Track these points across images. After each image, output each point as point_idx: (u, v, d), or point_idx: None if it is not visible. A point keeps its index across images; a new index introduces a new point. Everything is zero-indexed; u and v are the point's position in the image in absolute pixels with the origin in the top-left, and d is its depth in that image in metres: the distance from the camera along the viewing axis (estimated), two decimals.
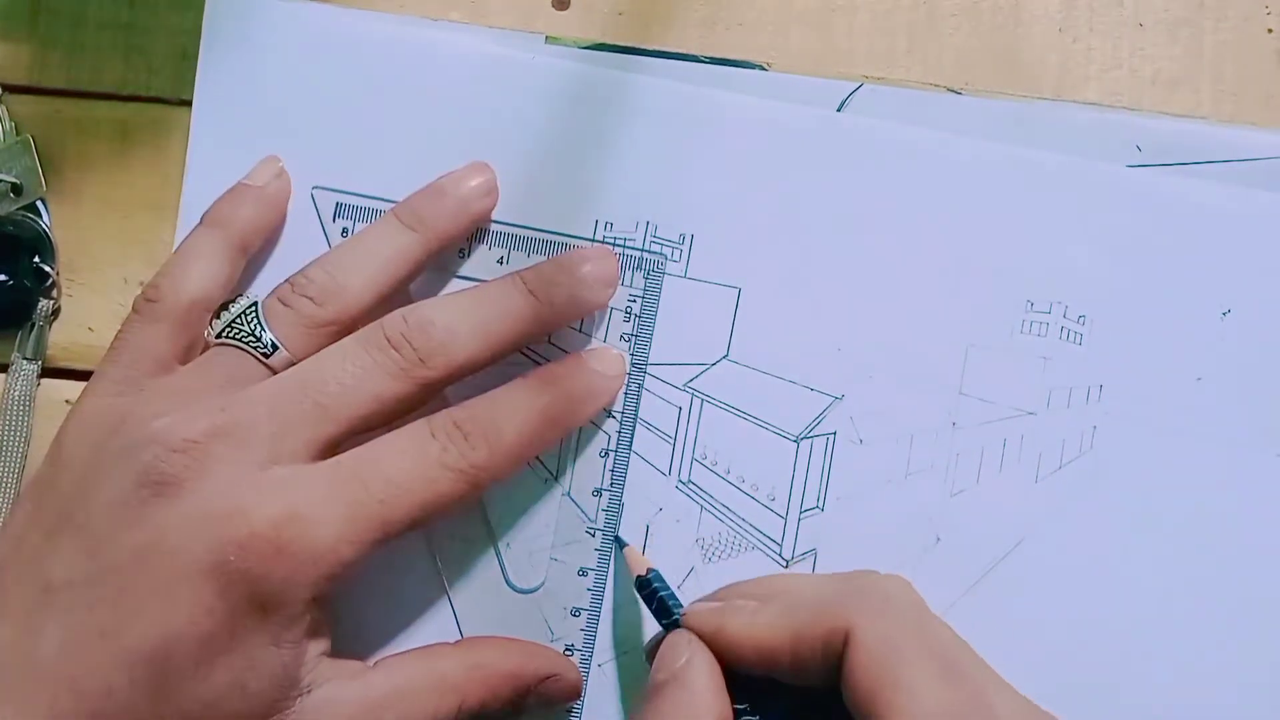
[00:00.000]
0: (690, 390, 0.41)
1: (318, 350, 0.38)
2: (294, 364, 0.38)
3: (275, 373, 0.38)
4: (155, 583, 0.34)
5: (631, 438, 0.41)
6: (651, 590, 0.38)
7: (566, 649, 0.40)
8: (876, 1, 0.43)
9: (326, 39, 0.42)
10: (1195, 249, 0.41)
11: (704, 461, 0.41)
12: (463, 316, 0.38)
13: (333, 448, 0.37)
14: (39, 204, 0.43)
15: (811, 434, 0.41)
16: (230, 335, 0.38)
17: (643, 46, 0.43)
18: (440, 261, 0.41)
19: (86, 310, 0.43)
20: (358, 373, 0.37)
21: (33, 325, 0.42)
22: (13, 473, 0.42)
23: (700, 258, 0.41)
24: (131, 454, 0.35)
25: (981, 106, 0.42)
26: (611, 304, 0.41)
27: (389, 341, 0.37)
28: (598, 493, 0.41)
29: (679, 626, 0.37)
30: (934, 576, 0.39)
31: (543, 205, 0.42)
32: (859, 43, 0.43)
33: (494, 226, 0.42)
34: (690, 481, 0.41)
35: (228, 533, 0.34)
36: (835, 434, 0.41)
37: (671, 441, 0.41)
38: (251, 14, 0.43)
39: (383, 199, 0.42)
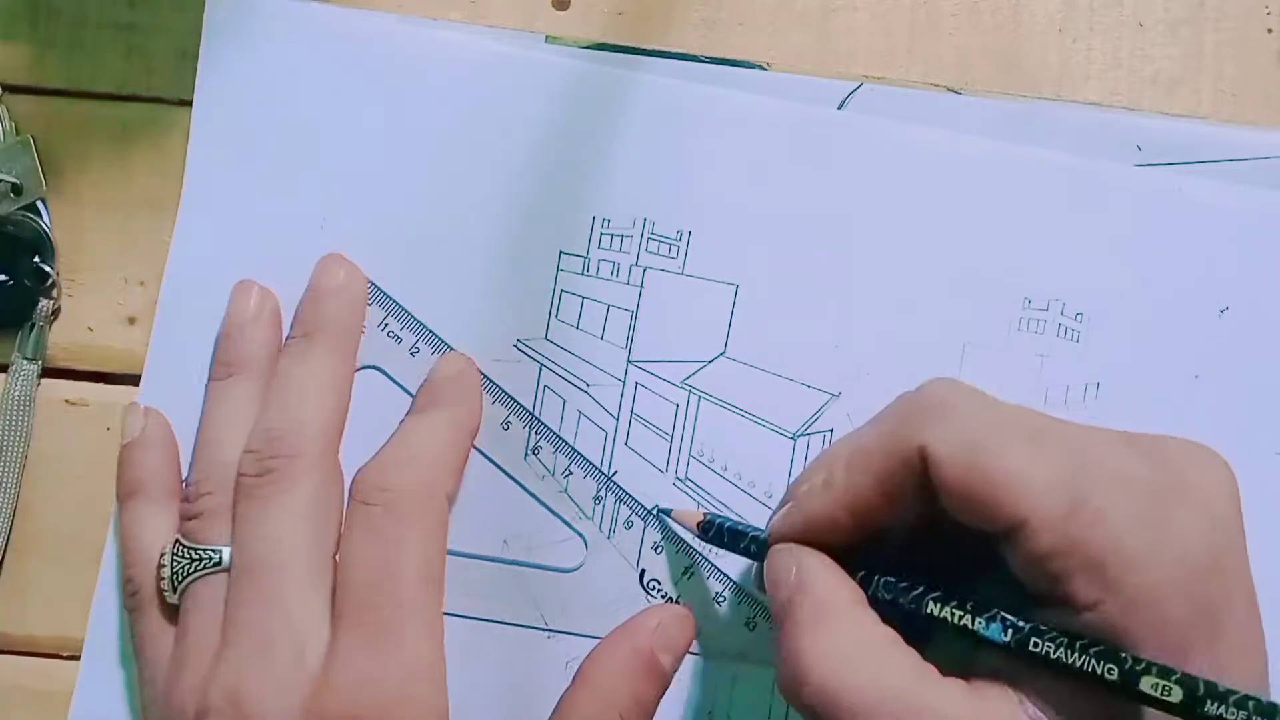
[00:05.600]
0: (687, 387, 0.41)
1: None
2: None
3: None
4: None
5: (628, 435, 0.41)
6: (718, 528, 0.38)
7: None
8: (876, 1, 0.43)
9: (327, 39, 0.42)
10: (1193, 246, 0.41)
11: (701, 459, 0.41)
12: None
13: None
14: (39, 204, 0.43)
15: (808, 431, 0.41)
16: (185, 580, 0.39)
17: (643, 46, 0.43)
18: None
19: (86, 310, 0.43)
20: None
21: (33, 325, 0.42)
22: (13, 473, 0.42)
23: (697, 255, 0.41)
24: None
25: (981, 106, 0.42)
26: (610, 301, 0.41)
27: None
28: (594, 490, 0.41)
29: (767, 546, 0.36)
30: None
31: (540, 202, 0.42)
32: (859, 43, 0.43)
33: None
34: (687, 479, 0.41)
35: None
36: (832, 431, 0.41)
37: (669, 439, 0.41)
38: (251, 14, 0.43)
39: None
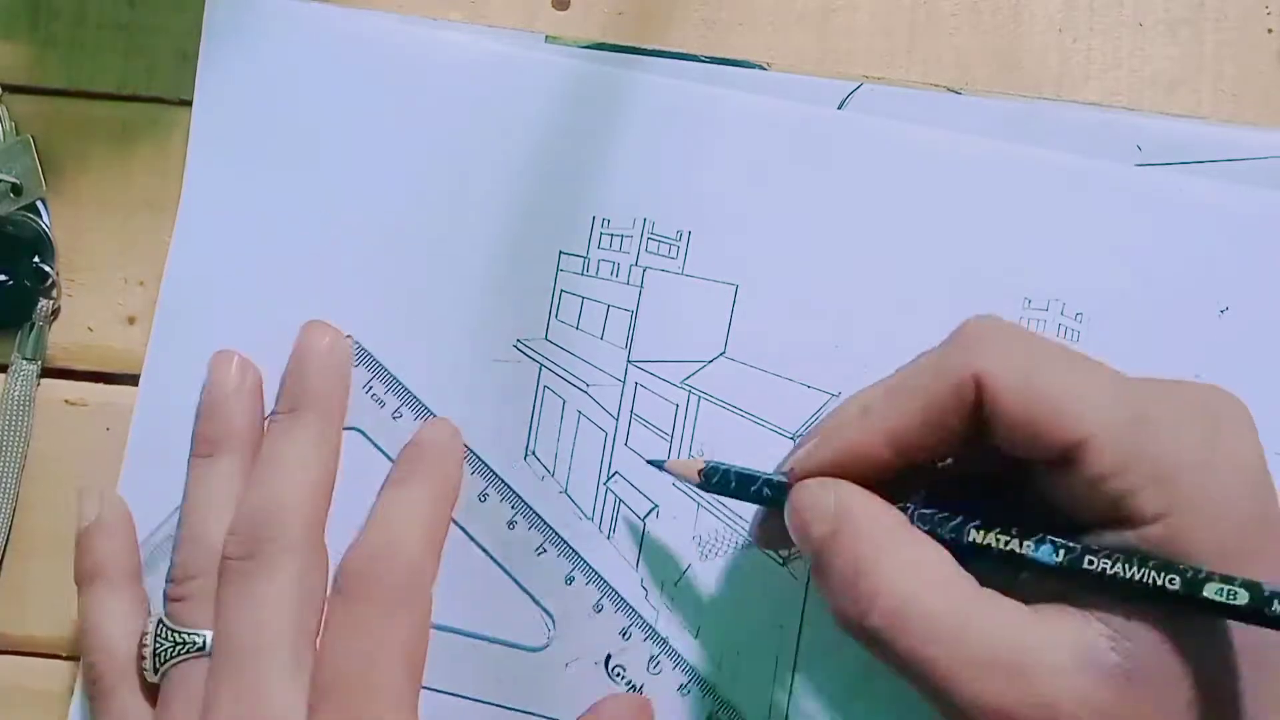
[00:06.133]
0: (687, 387, 0.41)
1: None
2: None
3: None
4: None
5: (628, 435, 0.41)
6: (723, 474, 0.36)
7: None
8: (876, 1, 0.43)
9: (327, 39, 0.42)
10: (1193, 246, 0.41)
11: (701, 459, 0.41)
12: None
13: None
14: (39, 204, 0.43)
15: (808, 431, 0.40)
16: (167, 662, 0.38)
17: (643, 46, 0.43)
18: None
19: (86, 310, 0.43)
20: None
21: (33, 325, 0.42)
22: (12, 473, 0.42)
23: (697, 255, 0.41)
24: None
25: (981, 106, 0.42)
26: (610, 301, 0.41)
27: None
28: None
29: (785, 488, 0.34)
30: None
31: (540, 202, 0.42)
32: (859, 43, 0.43)
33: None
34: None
35: None
36: None
37: (668, 439, 0.41)
38: (251, 14, 0.43)
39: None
